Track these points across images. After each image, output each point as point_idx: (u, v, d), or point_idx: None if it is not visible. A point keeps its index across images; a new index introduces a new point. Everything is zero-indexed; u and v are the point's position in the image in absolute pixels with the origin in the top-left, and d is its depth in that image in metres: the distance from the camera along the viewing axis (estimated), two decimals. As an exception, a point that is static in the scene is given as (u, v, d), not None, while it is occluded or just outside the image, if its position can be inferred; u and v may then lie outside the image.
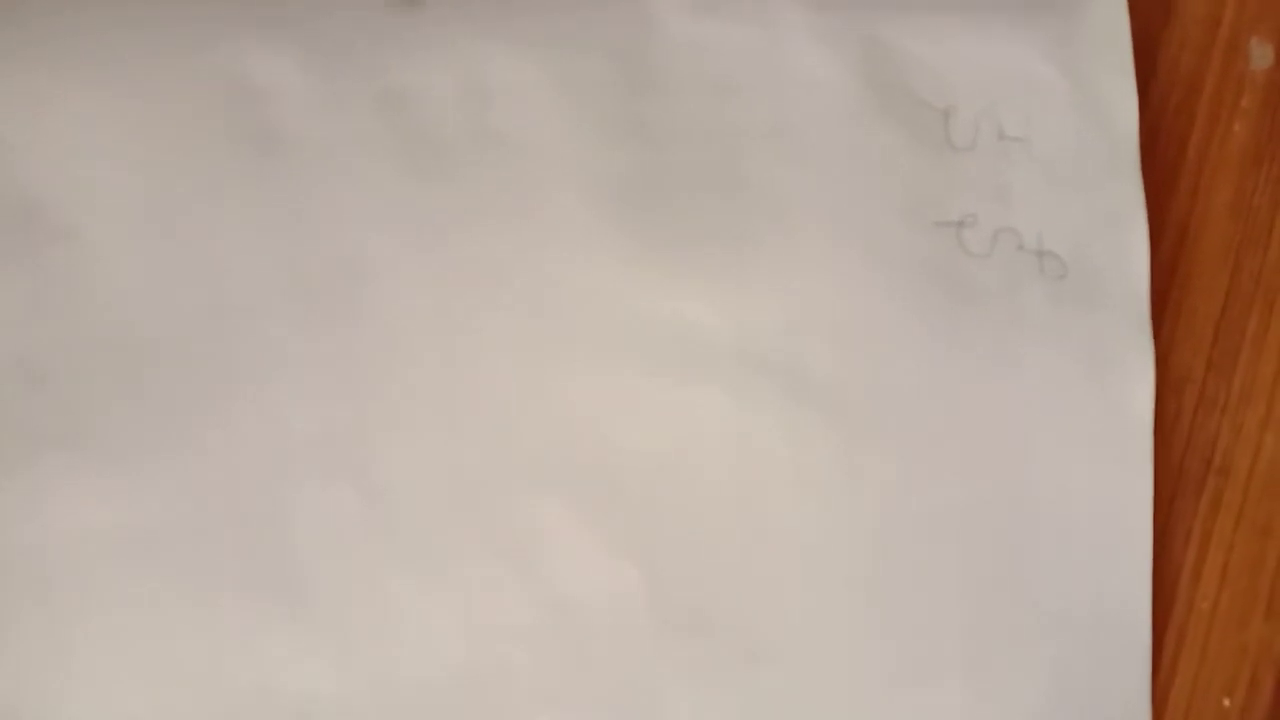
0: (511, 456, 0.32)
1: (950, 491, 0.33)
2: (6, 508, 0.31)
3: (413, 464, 0.32)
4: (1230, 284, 0.36)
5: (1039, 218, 0.34)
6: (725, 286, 0.33)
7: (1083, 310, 0.34)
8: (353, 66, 0.32)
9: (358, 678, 0.31)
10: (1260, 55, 0.36)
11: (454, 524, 0.32)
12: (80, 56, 0.32)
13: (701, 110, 0.34)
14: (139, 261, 0.32)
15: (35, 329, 0.31)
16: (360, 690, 0.31)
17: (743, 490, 0.33)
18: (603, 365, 0.33)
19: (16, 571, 0.30)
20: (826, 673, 0.32)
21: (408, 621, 0.32)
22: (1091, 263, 0.34)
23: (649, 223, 0.33)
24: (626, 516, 0.32)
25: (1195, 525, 0.35)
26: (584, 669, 0.31)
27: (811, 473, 0.33)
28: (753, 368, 0.33)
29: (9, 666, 0.30)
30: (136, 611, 0.31)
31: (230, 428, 0.32)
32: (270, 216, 0.32)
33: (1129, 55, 0.35)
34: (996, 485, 0.33)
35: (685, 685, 0.32)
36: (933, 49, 0.34)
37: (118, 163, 0.32)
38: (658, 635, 0.32)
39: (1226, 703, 0.34)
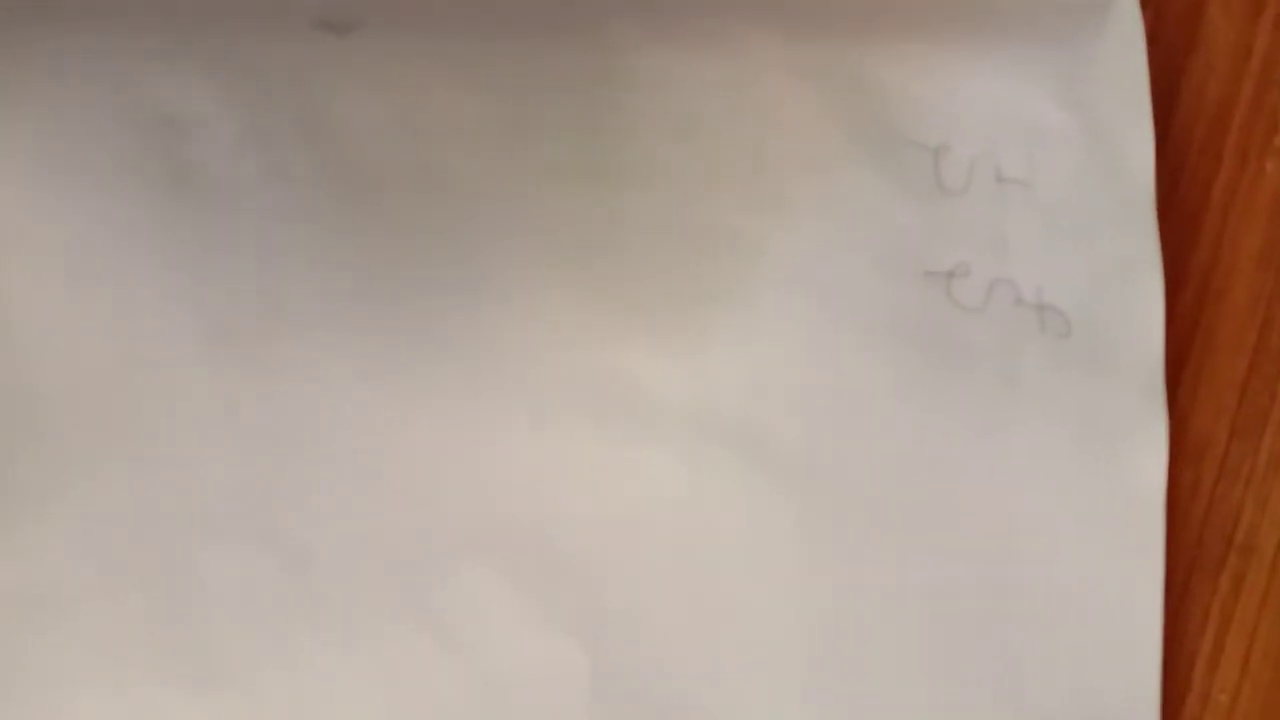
0: (442, 520, 0.31)
1: (924, 573, 0.31)
2: None
3: (334, 527, 0.31)
4: (1258, 342, 0.34)
5: (1040, 269, 0.32)
6: (681, 341, 0.32)
7: (1087, 372, 0.32)
8: (277, 97, 0.31)
9: None
10: (1296, 89, 0.35)
11: (377, 593, 0.30)
12: (-18, 93, 0.31)
13: (663, 150, 0.32)
14: (43, 305, 0.30)
15: None
16: None
17: (694, 562, 0.31)
18: (544, 424, 0.31)
19: None
20: None
21: (325, 698, 0.30)
22: (1099, 320, 0.32)
23: (600, 272, 0.32)
24: (567, 587, 0.31)
25: (1214, 608, 0.33)
26: None
27: (768, 546, 0.31)
28: (708, 431, 0.31)
29: None
30: (35, 680, 0.30)
31: (138, 484, 0.30)
32: (185, 259, 0.30)
33: (1145, 87, 0.32)
34: (979, 567, 0.32)
35: None
36: (922, 81, 0.32)
37: (23, 202, 0.30)
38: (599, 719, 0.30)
39: (1244, 812, 0.33)
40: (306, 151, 0.31)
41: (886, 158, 0.32)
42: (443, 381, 0.31)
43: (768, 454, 0.31)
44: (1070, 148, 0.32)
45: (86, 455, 0.30)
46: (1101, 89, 0.32)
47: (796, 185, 0.32)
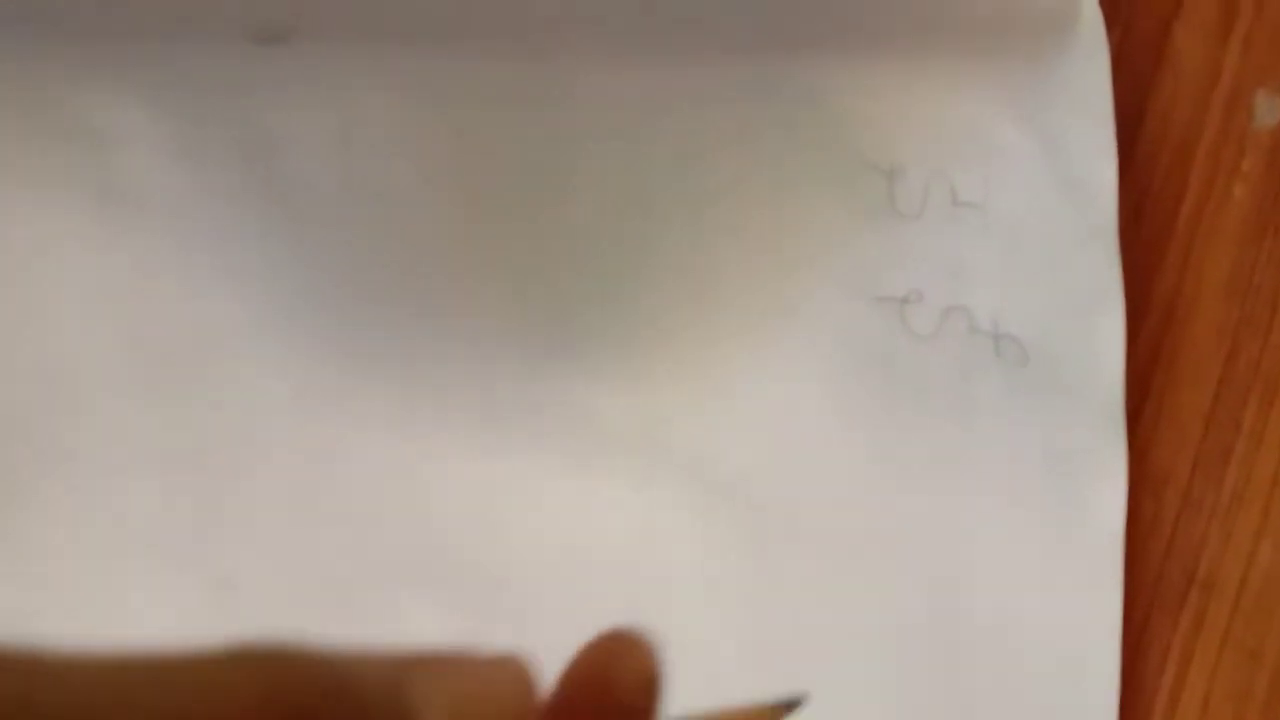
0: (378, 549, 0.30)
1: (876, 608, 0.31)
2: None
3: (264, 556, 0.30)
4: (1223, 372, 0.33)
5: (996, 295, 0.32)
6: (630, 367, 0.31)
7: (1044, 403, 0.31)
8: (209, 110, 0.30)
9: None
10: (1267, 110, 0.34)
11: (309, 625, 0.29)
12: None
13: (613, 169, 0.31)
14: None
15: None
16: None
17: (643, 593, 0.30)
18: (488, 450, 0.30)
19: None
20: None
21: None
22: (1057, 348, 0.31)
23: (546, 292, 0.31)
24: (506, 618, 0.30)
25: (1174, 646, 0.32)
26: None
27: (719, 576, 0.30)
28: (658, 459, 0.31)
29: None
30: None
31: (60, 510, 0.29)
32: (112, 277, 0.30)
33: (1109, 107, 0.32)
34: (933, 602, 0.31)
35: None
36: (877, 101, 0.31)
37: None
38: None
39: None
40: (239, 166, 0.30)
41: (840, 178, 0.31)
42: (381, 405, 0.30)
43: (718, 481, 0.30)
44: (1030, 170, 0.32)
45: (6, 480, 0.29)
46: (1063, 109, 0.32)
47: (748, 205, 0.31)
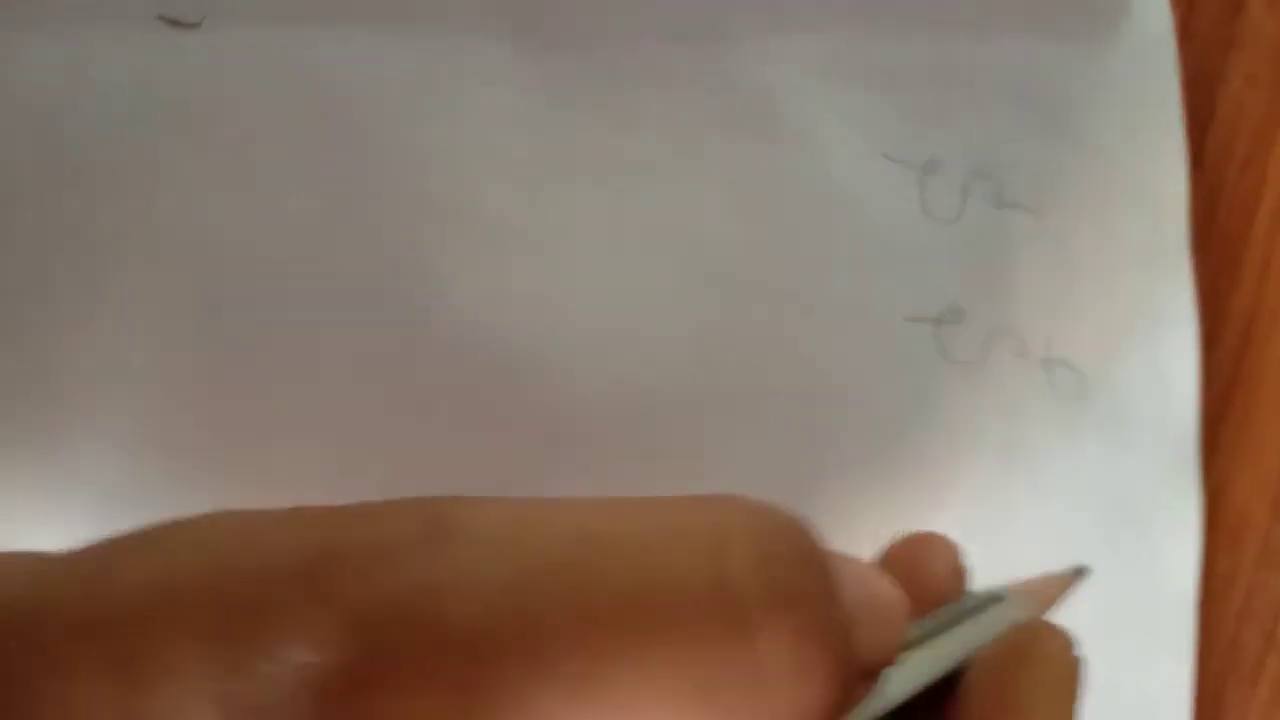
0: None
1: None
2: None
3: None
4: None
5: (1048, 316, 0.28)
6: None
7: (1105, 440, 0.28)
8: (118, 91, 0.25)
9: None
10: (1359, 96, 0.30)
11: None
12: None
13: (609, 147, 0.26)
14: None
15: None
16: None
17: None
18: None
19: None
20: None
21: None
22: (1119, 377, 0.28)
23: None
24: None
25: (1250, 715, 0.29)
26: None
27: None
28: None
29: None
30: None
31: None
32: None
33: (1176, 94, 0.28)
34: None
35: None
36: (907, 84, 0.26)
37: None
38: None
39: None
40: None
41: (863, 175, 0.27)
42: None
43: None
44: (1086, 168, 0.28)
45: None
46: (1123, 98, 0.28)
47: (744, 203, 0.27)
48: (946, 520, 0.27)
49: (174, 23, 0.26)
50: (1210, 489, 0.29)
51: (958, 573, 0.20)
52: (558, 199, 0.25)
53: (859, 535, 0.26)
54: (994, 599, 0.21)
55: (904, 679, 0.17)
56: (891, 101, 0.27)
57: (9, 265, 0.23)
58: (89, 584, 0.14)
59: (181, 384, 0.24)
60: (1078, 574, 0.22)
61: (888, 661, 0.17)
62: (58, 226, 0.23)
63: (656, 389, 0.26)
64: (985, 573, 0.27)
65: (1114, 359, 0.28)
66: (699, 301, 0.26)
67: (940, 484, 0.27)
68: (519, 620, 0.13)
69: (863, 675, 0.16)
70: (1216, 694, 0.29)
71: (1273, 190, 0.29)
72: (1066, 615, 0.27)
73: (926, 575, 0.19)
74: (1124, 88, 0.28)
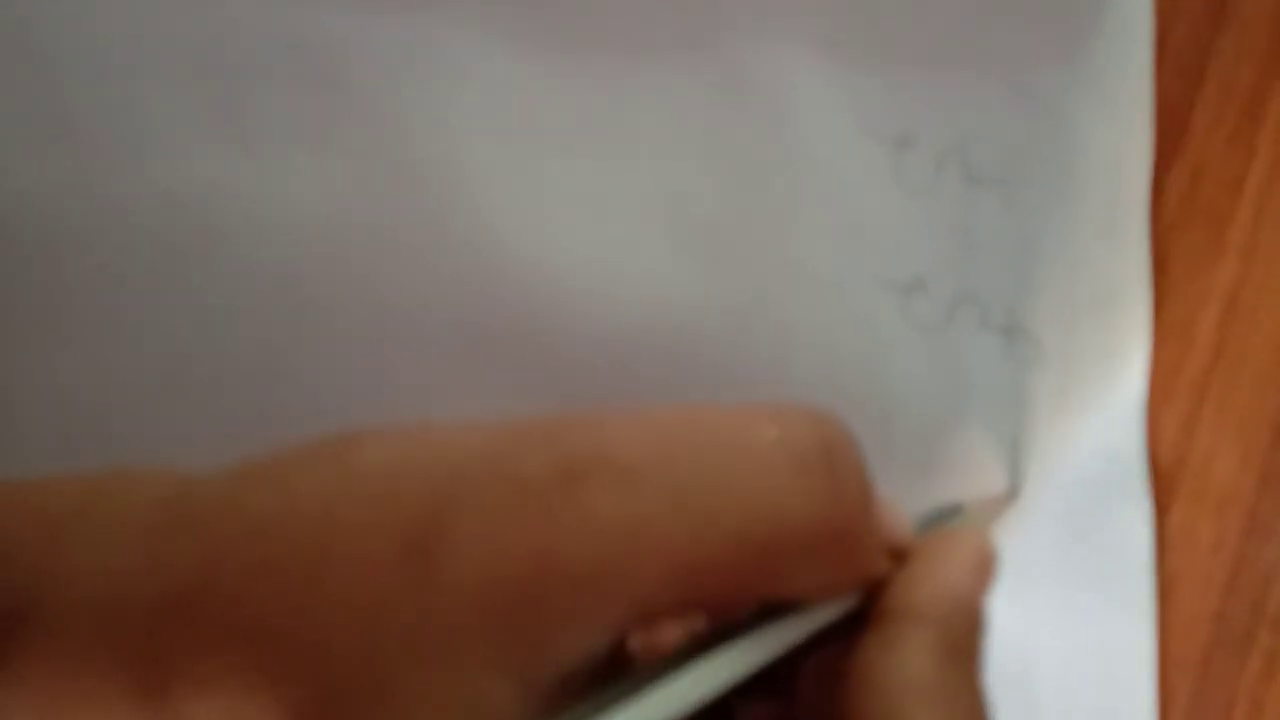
0: None
1: None
2: None
3: None
4: None
5: (1011, 285, 0.28)
6: None
7: (1056, 408, 0.28)
8: None
9: None
10: (1353, 66, 0.30)
11: None
12: None
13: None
14: None
15: None
16: None
17: None
18: None
19: None
20: None
21: None
22: (1077, 346, 0.28)
23: None
24: None
25: (1240, 693, 0.30)
26: None
27: None
28: None
29: None
30: None
31: None
32: None
33: (1149, 75, 0.28)
34: None
35: None
36: (883, 59, 0.28)
37: None
38: None
39: None
40: None
41: (839, 148, 0.28)
42: None
43: None
44: (1057, 145, 0.29)
45: None
46: (1097, 76, 0.28)
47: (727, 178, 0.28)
48: (899, 482, 0.28)
49: None
50: (1196, 462, 0.29)
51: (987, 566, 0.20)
52: (540, 168, 0.27)
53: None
54: (954, 511, 0.22)
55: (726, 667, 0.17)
56: (869, 77, 0.29)
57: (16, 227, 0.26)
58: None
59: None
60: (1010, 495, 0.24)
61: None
62: (57, 186, 0.26)
63: (637, 351, 0.28)
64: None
65: (1073, 329, 0.28)
66: (679, 266, 0.28)
67: (895, 438, 0.28)
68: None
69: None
70: (1203, 664, 0.29)
71: (1260, 164, 0.29)
72: (1022, 590, 0.28)
73: (952, 561, 0.19)
74: (1099, 66, 0.28)
